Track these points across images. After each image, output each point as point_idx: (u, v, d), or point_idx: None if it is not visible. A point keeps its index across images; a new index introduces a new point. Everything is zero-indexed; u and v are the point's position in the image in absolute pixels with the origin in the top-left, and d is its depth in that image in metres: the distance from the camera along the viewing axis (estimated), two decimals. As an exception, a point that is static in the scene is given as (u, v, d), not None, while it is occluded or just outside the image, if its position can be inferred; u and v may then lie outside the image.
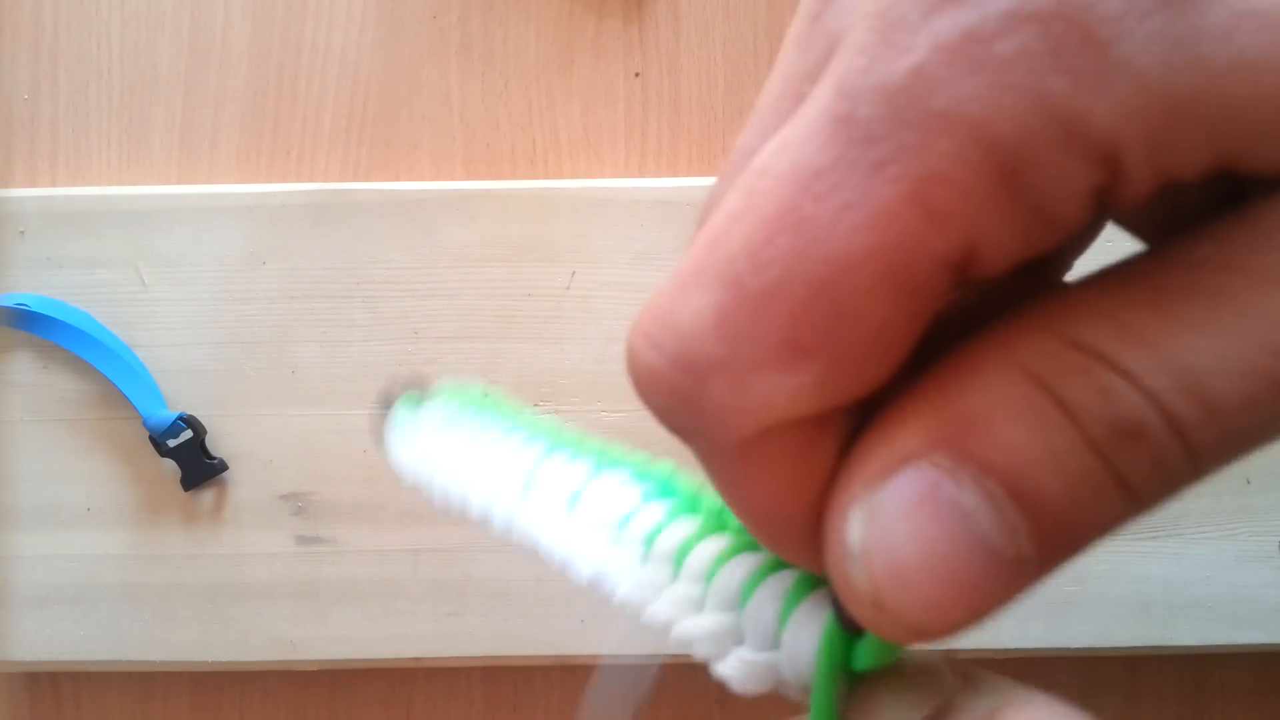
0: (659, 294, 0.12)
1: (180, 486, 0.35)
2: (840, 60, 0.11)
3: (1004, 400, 0.11)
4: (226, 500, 0.35)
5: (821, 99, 0.11)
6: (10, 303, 0.35)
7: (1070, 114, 0.10)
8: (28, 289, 0.36)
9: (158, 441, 0.35)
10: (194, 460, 0.35)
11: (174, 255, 0.36)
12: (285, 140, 0.38)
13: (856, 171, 0.10)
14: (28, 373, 0.36)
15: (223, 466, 0.35)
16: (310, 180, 0.38)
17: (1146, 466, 0.11)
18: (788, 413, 0.11)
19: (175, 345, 0.36)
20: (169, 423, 0.34)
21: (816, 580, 0.14)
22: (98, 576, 0.35)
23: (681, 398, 0.12)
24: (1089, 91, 0.10)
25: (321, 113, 0.38)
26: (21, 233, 0.36)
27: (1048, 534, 0.11)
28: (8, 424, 0.36)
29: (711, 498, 0.15)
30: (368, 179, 0.38)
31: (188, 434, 0.35)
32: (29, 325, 0.35)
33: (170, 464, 0.35)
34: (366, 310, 0.36)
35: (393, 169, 0.38)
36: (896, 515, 0.11)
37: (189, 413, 0.35)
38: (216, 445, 0.35)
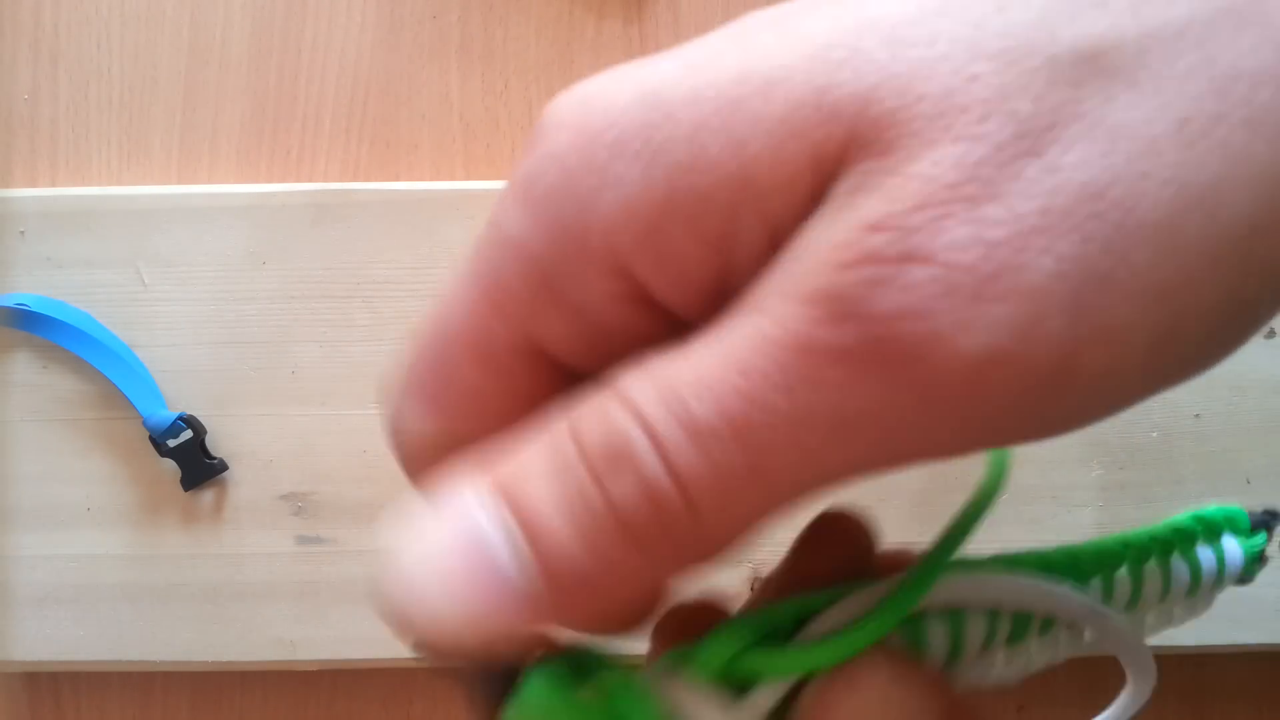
0: None
1: (180, 486, 0.35)
2: None
3: (546, 445, 0.12)
4: (226, 500, 0.35)
5: None
6: (10, 303, 0.35)
7: (576, 232, 0.13)
8: (28, 289, 0.36)
9: (158, 441, 0.35)
10: (194, 460, 0.35)
11: (174, 255, 0.36)
12: (285, 140, 0.38)
13: (464, 286, 0.14)
14: (28, 373, 0.36)
15: (223, 466, 0.35)
16: (310, 180, 0.38)
17: (637, 494, 0.12)
18: (428, 449, 0.15)
19: (175, 345, 0.36)
20: (169, 423, 0.34)
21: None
22: (98, 576, 0.35)
23: (396, 455, 0.15)
24: (588, 211, 0.12)
25: (321, 113, 0.38)
26: (21, 233, 0.36)
27: (556, 570, 0.12)
28: (8, 424, 0.36)
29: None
30: (368, 179, 0.38)
31: (188, 434, 0.35)
32: (29, 325, 0.35)
33: (170, 464, 0.35)
34: (366, 310, 0.36)
35: (393, 169, 0.38)
36: (431, 530, 0.13)
37: (189, 413, 0.35)
38: (216, 445, 0.35)
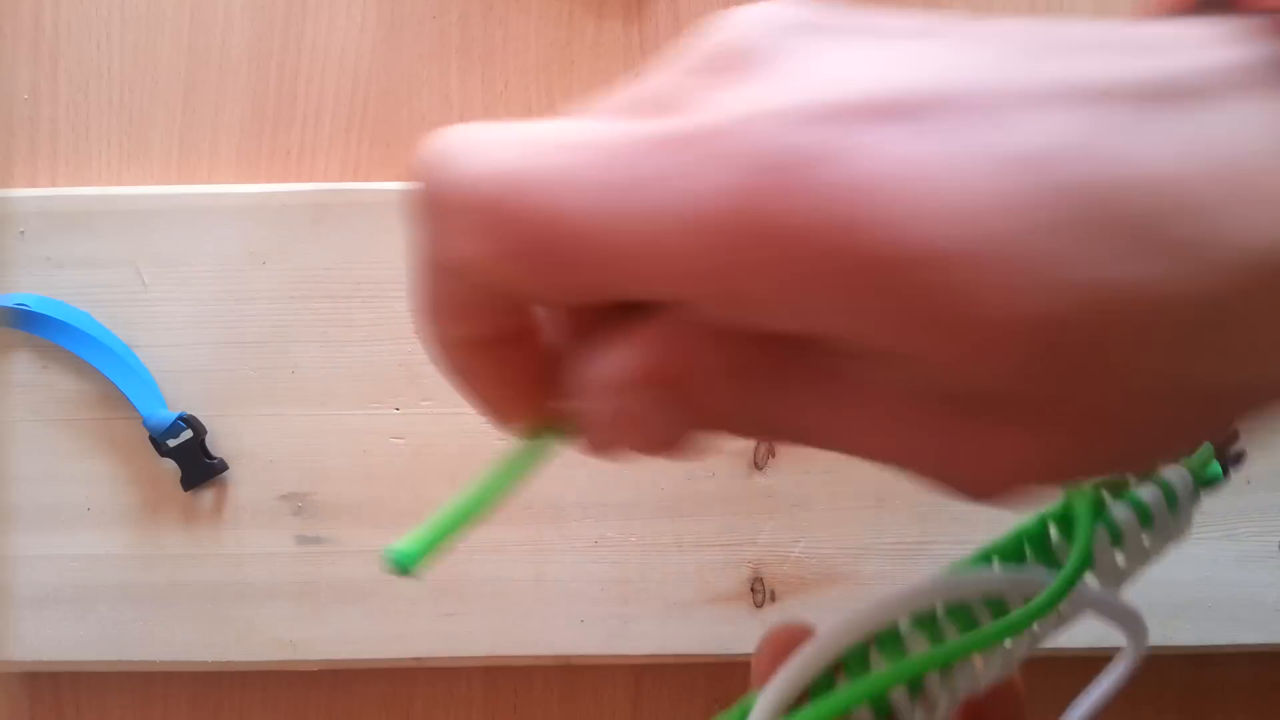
0: None
1: (180, 486, 0.35)
2: None
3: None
4: (226, 500, 0.35)
5: None
6: (10, 303, 0.35)
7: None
8: (28, 289, 0.36)
9: (158, 441, 0.35)
10: (194, 460, 0.35)
11: (174, 255, 0.36)
12: (285, 140, 0.38)
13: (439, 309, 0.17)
14: (28, 373, 0.36)
15: (223, 466, 0.35)
16: (310, 180, 0.38)
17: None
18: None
19: (175, 345, 0.36)
20: (169, 423, 0.34)
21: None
22: (98, 576, 0.35)
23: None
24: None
25: (321, 113, 0.38)
26: (21, 233, 0.36)
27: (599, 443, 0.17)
28: (8, 424, 0.36)
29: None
30: (368, 179, 0.38)
31: (188, 434, 0.35)
32: (29, 325, 0.35)
33: (170, 464, 0.35)
34: (366, 310, 0.36)
35: (393, 169, 0.38)
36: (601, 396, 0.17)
37: (189, 413, 0.35)
38: (216, 445, 0.35)
